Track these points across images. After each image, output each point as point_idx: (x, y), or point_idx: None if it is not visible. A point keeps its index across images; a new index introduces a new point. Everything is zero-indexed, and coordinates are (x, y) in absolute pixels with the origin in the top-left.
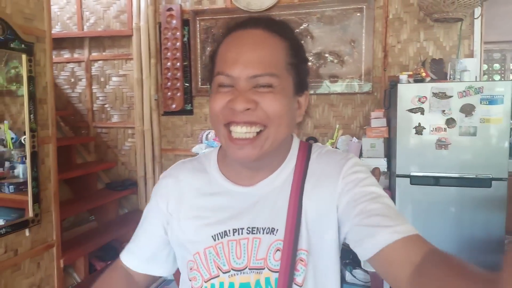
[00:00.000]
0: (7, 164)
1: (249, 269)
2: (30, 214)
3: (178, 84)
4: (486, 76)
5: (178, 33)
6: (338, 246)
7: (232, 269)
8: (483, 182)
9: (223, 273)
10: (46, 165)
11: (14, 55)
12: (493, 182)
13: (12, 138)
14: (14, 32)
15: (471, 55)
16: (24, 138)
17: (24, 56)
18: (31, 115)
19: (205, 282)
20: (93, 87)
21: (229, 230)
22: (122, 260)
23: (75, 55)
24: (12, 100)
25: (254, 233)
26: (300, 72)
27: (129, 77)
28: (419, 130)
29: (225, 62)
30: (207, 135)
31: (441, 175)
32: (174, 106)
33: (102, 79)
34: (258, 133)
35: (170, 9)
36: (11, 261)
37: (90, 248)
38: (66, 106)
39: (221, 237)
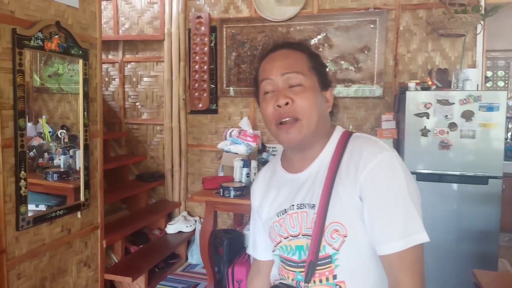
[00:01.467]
0: (46, 155)
1: (302, 235)
2: (82, 198)
3: (205, 86)
4: (490, 82)
5: (206, 39)
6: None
7: (290, 235)
8: (481, 180)
9: (284, 238)
10: (94, 157)
11: (53, 56)
12: (489, 180)
13: (49, 132)
14: (74, 40)
15: (473, 65)
16: (61, 132)
17: (81, 61)
18: (85, 112)
19: (275, 247)
20: (125, 87)
21: (287, 208)
22: (253, 255)
23: (110, 57)
24: (49, 97)
25: (302, 208)
26: (321, 73)
27: (159, 78)
28: (424, 132)
29: (264, 71)
30: (230, 132)
31: (444, 172)
32: (200, 105)
33: (134, 79)
34: (295, 121)
35: (199, 17)
36: (65, 239)
37: (126, 232)
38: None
39: (282, 214)
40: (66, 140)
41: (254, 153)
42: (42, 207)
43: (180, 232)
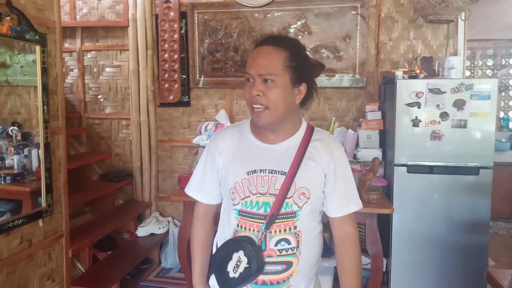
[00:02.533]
0: None
1: (269, 194)
2: (43, 204)
3: (176, 76)
4: (468, 71)
5: (175, 25)
6: (323, 197)
7: (258, 192)
8: (472, 170)
9: (253, 194)
10: (57, 156)
11: None
12: (480, 170)
13: None
14: (29, 23)
15: (455, 53)
16: (12, 129)
17: (38, 48)
18: (45, 107)
19: (242, 199)
20: (85, 78)
21: (257, 169)
22: (200, 199)
23: (66, 45)
24: None
25: (273, 173)
26: (297, 71)
27: (124, 68)
28: (416, 122)
29: (248, 64)
30: (206, 126)
31: (435, 164)
32: (171, 97)
33: (95, 70)
34: (264, 108)
35: (167, 1)
36: (26, 252)
37: (93, 239)
38: None
39: (252, 173)
40: (18, 138)
41: None
42: None
43: (152, 234)
